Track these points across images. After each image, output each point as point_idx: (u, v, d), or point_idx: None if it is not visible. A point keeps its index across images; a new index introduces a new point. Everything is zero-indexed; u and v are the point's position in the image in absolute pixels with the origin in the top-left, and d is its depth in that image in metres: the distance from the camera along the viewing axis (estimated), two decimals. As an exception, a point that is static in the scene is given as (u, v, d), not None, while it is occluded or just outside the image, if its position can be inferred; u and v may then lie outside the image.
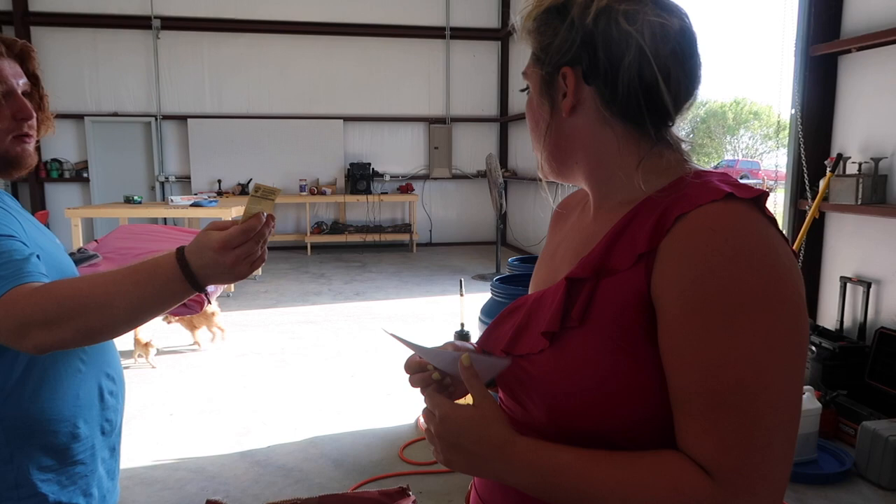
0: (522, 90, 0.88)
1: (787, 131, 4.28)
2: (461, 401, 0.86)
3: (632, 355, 0.73)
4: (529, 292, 0.94)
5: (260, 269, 7.83)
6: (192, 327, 4.90)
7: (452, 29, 10.30)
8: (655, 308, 0.72)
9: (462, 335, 4.04)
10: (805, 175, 3.96)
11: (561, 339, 0.79)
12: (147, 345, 4.47)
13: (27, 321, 0.96)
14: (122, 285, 0.99)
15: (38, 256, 1.06)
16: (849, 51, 3.76)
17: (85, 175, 9.76)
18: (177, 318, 4.62)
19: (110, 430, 1.25)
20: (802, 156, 3.99)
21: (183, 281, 0.98)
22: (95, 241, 4.50)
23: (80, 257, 3.78)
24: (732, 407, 0.66)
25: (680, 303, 0.69)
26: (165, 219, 9.89)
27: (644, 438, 0.74)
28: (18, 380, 1.08)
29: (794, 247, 3.92)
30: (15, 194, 9.55)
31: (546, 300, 0.83)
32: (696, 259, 0.68)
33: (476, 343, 0.98)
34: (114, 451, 1.28)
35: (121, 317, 1.00)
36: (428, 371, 0.90)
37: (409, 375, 0.92)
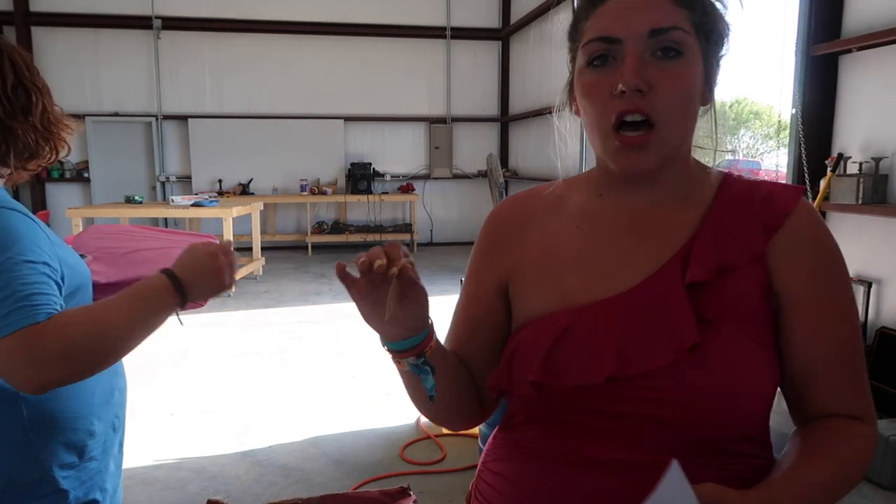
0: (667, 46, 0.75)
1: (787, 131, 4.27)
2: None
3: (766, 347, 0.78)
4: (555, 307, 0.83)
5: (261, 269, 7.84)
6: None
7: (453, 29, 10.30)
8: (780, 295, 0.80)
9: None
10: (806, 175, 3.96)
11: (699, 346, 0.76)
12: None
13: (45, 355, 0.95)
14: (125, 312, 1.04)
15: (62, 278, 1.08)
16: (849, 50, 3.76)
17: (86, 175, 9.77)
18: None
19: (119, 427, 1.29)
20: (803, 155, 3.99)
21: (175, 296, 1.06)
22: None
23: None
24: (857, 360, 0.82)
25: (812, 282, 0.79)
26: (166, 219, 9.92)
27: (757, 432, 0.82)
28: None
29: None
30: (16, 194, 9.56)
31: (645, 309, 0.78)
32: (817, 244, 0.81)
33: (529, 376, 0.81)
34: (121, 446, 1.32)
35: (130, 344, 1.04)
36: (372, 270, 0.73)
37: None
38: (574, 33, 0.82)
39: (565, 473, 0.80)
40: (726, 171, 0.87)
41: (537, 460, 0.83)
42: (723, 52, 0.82)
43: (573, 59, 0.83)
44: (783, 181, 4.44)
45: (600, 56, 0.77)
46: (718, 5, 0.81)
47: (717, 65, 0.82)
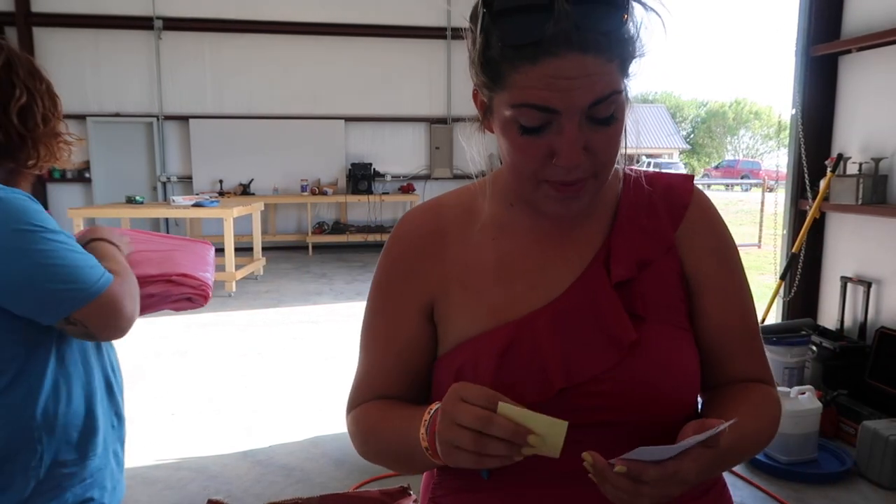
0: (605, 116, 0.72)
1: (787, 131, 4.28)
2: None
3: (687, 330, 0.83)
4: (489, 324, 0.79)
5: (261, 269, 7.84)
6: None
7: (453, 29, 10.30)
8: (691, 279, 0.84)
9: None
10: (806, 175, 3.96)
11: (636, 342, 0.77)
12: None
13: (132, 303, 1.14)
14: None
15: None
16: (849, 51, 3.76)
17: (87, 175, 9.78)
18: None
19: (119, 424, 1.29)
20: (803, 156, 3.99)
21: None
22: None
23: None
24: (757, 330, 0.88)
25: (715, 262, 0.85)
26: (167, 219, 9.93)
27: (693, 412, 0.84)
28: (50, 378, 1.12)
29: (794, 247, 3.94)
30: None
31: (577, 314, 0.78)
32: (715, 227, 0.87)
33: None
34: (123, 443, 1.32)
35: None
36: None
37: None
38: (491, 72, 0.73)
39: (534, 494, 0.78)
40: (624, 168, 0.88)
41: (503, 489, 0.79)
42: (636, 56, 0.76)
43: (490, 96, 0.77)
44: (782, 182, 4.45)
45: (534, 128, 0.72)
46: (635, 25, 0.73)
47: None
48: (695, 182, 0.90)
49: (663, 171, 0.94)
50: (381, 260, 0.89)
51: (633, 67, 0.75)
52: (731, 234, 0.88)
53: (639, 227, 0.83)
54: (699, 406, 0.87)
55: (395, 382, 0.86)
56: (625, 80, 0.73)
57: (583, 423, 0.74)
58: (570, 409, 0.74)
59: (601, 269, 0.81)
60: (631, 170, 0.88)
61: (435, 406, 0.73)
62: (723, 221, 0.89)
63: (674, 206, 0.85)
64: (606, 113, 0.71)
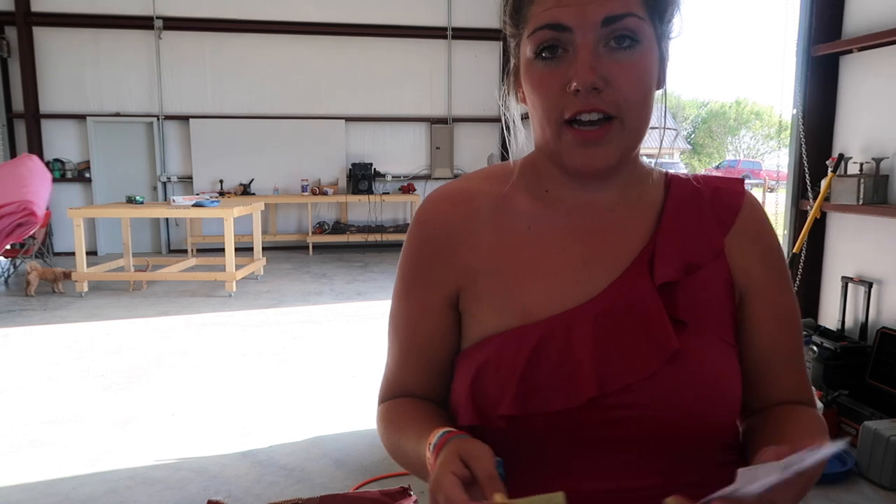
0: (622, 35, 0.69)
1: (788, 131, 4.28)
2: None
3: (733, 345, 0.76)
4: (517, 320, 0.74)
5: (262, 269, 7.84)
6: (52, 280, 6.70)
7: (454, 29, 10.30)
8: (740, 288, 0.78)
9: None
10: (807, 175, 3.96)
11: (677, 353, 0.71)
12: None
13: None
14: None
15: None
16: (850, 51, 3.76)
17: (87, 175, 9.77)
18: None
19: None
20: (804, 156, 3.99)
21: None
22: None
23: None
24: (802, 346, 0.83)
25: (766, 272, 0.79)
26: (168, 219, 9.93)
27: (733, 438, 0.79)
28: None
29: (795, 247, 3.93)
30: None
31: (616, 316, 0.72)
32: (767, 234, 0.81)
33: (500, 403, 0.71)
34: None
35: None
36: None
37: None
38: (516, 17, 0.74)
39: None
40: (665, 171, 0.84)
41: None
42: (674, 32, 0.75)
43: (517, 45, 0.76)
44: (783, 182, 4.45)
45: (549, 47, 0.69)
46: None
47: (668, 46, 0.76)
48: (746, 186, 0.84)
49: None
50: (405, 245, 0.83)
51: (670, 23, 0.73)
52: (780, 246, 0.83)
53: (687, 228, 0.77)
54: (740, 433, 0.81)
55: (419, 379, 0.83)
56: (655, 21, 0.71)
57: (608, 437, 0.70)
58: (596, 420, 0.69)
59: (644, 270, 0.74)
60: (671, 171, 0.84)
61: (440, 432, 0.69)
62: (774, 230, 0.83)
63: (724, 210, 0.79)
64: (622, 32, 0.68)
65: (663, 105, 0.78)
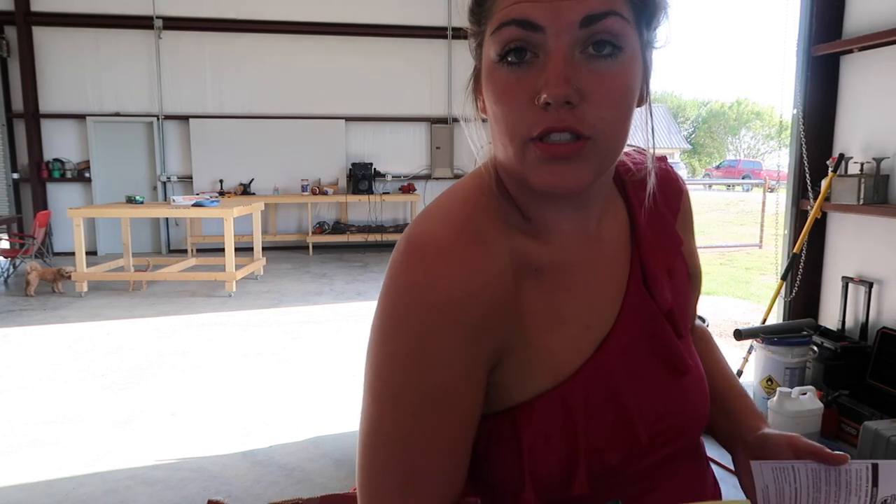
0: (602, 41, 0.58)
1: (788, 131, 4.27)
2: None
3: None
4: (546, 382, 0.65)
5: (262, 270, 7.84)
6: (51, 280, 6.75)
7: (454, 29, 10.30)
8: (691, 269, 0.79)
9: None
10: (807, 175, 3.96)
11: None
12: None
13: None
14: None
15: None
16: (851, 51, 3.75)
17: (87, 175, 9.78)
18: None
19: None
20: (804, 156, 3.99)
21: None
22: None
23: None
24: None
25: (689, 236, 0.81)
26: (167, 219, 9.93)
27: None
28: None
29: (796, 247, 3.93)
30: (17, 194, 9.57)
31: (633, 349, 0.69)
32: (688, 203, 0.82)
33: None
34: None
35: None
36: None
37: None
38: (478, 11, 0.64)
39: None
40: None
41: None
42: (660, 41, 0.65)
43: (478, 45, 0.67)
44: (784, 182, 4.45)
45: (517, 49, 0.58)
46: None
47: (651, 57, 0.66)
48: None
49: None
50: (400, 344, 0.61)
51: (655, 29, 0.63)
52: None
53: (655, 230, 0.73)
54: None
55: (460, 482, 0.66)
56: (641, 27, 0.61)
57: (651, 464, 0.69)
58: (642, 453, 0.67)
59: (642, 289, 0.70)
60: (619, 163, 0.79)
61: None
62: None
63: (672, 200, 0.77)
64: (602, 36, 0.57)
65: (649, 122, 0.68)
